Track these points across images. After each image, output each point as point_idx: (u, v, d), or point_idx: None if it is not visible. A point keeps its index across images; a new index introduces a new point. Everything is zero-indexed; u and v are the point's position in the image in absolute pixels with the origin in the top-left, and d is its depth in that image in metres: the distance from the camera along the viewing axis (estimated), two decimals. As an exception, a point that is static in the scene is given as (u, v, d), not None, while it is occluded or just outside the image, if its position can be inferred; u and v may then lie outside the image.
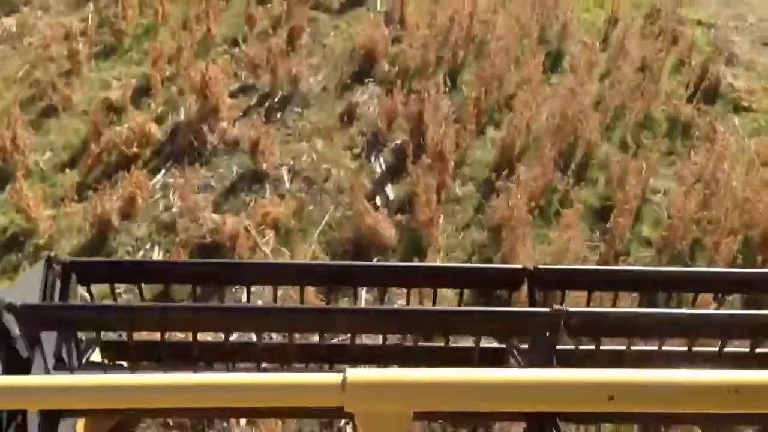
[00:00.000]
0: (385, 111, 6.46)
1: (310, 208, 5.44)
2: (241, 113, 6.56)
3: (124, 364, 2.48)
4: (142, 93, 6.69)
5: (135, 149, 5.87)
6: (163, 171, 5.81)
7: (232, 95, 6.78)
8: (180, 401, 1.59)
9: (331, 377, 1.48)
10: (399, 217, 5.53)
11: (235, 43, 7.49)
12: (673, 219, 5.35)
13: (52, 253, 2.40)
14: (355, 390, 1.45)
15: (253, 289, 2.86)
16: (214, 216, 5.16)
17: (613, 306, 2.61)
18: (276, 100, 6.78)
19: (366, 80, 7.12)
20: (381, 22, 7.71)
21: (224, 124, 6.25)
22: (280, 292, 2.72)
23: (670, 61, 7.29)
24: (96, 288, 2.60)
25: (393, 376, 1.50)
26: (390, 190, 5.78)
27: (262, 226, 5.16)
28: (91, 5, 7.75)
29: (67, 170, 5.75)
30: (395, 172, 6.00)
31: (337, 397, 1.46)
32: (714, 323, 2.24)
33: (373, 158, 6.16)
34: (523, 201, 5.48)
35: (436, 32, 7.52)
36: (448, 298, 3.51)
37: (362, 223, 5.15)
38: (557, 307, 2.07)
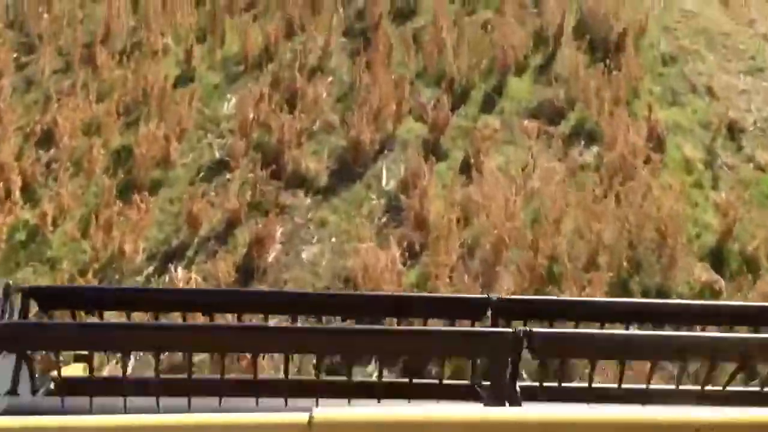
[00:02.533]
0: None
1: None
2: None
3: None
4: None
5: None
6: None
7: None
8: None
9: (296, 416, 1.32)
10: None
11: (165, 264, 4.58)
12: None
13: (10, 281, 2.08)
14: (322, 429, 1.31)
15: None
16: None
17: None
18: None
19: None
20: (388, 234, 4.75)
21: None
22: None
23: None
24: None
25: (360, 414, 1.37)
26: None
27: None
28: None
29: None
30: None
31: None
32: (679, 344, 1.97)
33: None
34: None
35: (474, 248, 4.69)
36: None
37: None
38: (521, 327, 1.85)
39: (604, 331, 2.25)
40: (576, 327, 2.34)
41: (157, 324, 2.23)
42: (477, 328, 2.18)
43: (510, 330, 1.86)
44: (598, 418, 1.36)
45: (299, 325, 2.30)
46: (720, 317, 2.34)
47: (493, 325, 2.16)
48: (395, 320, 2.29)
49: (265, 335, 1.97)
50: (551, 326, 2.33)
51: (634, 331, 2.37)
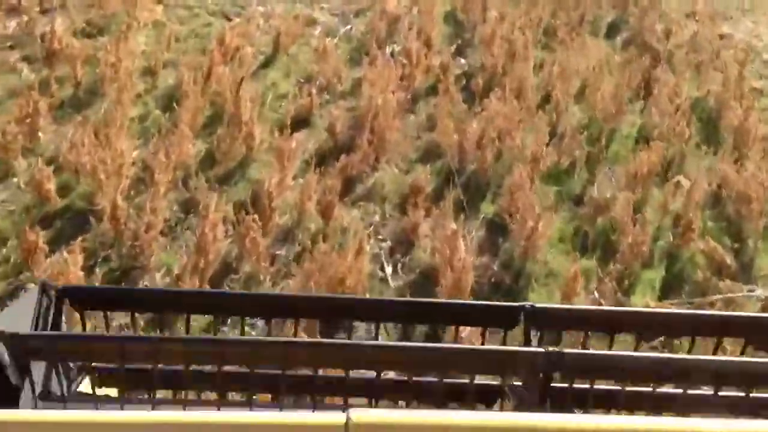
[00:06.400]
0: None
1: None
2: None
3: (114, 393, 1.91)
4: None
5: None
6: None
7: None
8: None
9: (333, 417, 1.18)
10: None
11: None
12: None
13: (46, 279, 2.18)
14: (359, 431, 1.17)
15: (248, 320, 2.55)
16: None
17: (610, 348, 2.05)
18: None
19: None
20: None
21: None
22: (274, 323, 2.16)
23: None
24: (90, 314, 2.02)
25: (399, 418, 1.22)
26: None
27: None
28: None
29: None
30: None
31: None
32: (710, 369, 1.71)
33: None
34: None
35: None
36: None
37: None
38: (552, 348, 1.64)
39: (638, 353, 1.88)
40: (611, 338, 1.98)
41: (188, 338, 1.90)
42: (507, 347, 1.83)
43: (541, 350, 1.64)
44: (631, 426, 1.22)
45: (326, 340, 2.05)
46: (753, 329, 1.92)
47: (525, 334, 1.86)
48: (426, 327, 2.11)
49: (295, 349, 1.72)
50: (586, 336, 1.98)
51: (667, 354, 2.15)
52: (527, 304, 1.84)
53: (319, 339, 2.33)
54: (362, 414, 1.19)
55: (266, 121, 4.70)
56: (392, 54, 5.47)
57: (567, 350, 1.65)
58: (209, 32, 5.69)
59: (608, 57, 5.59)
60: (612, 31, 6.06)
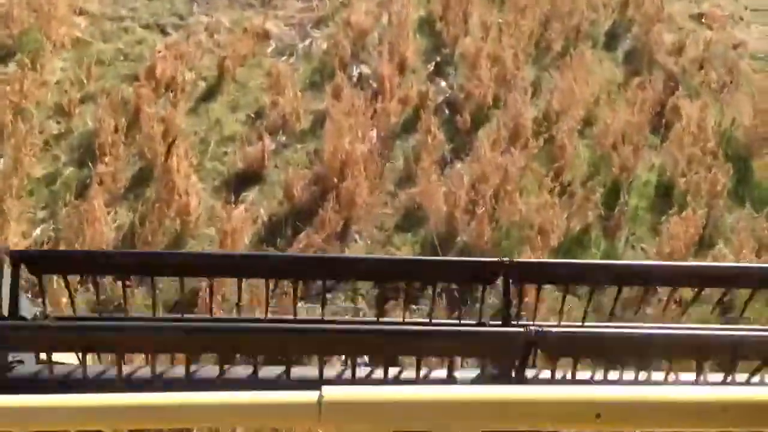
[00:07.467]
0: None
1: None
2: None
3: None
4: None
5: None
6: None
7: None
8: (136, 422, 1.20)
9: (306, 396, 1.17)
10: None
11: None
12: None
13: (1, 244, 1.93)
14: (332, 409, 1.16)
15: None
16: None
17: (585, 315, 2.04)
18: None
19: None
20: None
21: None
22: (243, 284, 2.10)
23: None
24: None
25: (371, 394, 1.21)
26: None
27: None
28: None
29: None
30: None
31: (313, 417, 1.16)
32: (695, 343, 1.73)
33: None
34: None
35: None
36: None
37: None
38: (532, 327, 1.64)
39: (621, 330, 1.85)
40: (592, 291, 1.96)
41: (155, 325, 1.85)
42: (485, 329, 1.76)
43: (520, 330, 1.56)
44: (627, 397, 1.18)
45: (295, 325, 1.93)
46: (727, 279, 1.88)
47: (504, 289, 1.79)
48: (403, 284, 1.91)
49: (262, 335, 1.71)
50: (566, 290, 1.94)
51: (652, 330, 1.97)
52: (507, 259, 1.66)
53: (290, 324, 2.06)
54: (335, 391, 1.14)
55: (207, 177, 3.73)
56: (359, 78, 4.51)
57: (545, 328, 1.55)
58: (141, 52, 4.66)
59: (613, 77, 4.67)
60: (612, 41, 5.14)
